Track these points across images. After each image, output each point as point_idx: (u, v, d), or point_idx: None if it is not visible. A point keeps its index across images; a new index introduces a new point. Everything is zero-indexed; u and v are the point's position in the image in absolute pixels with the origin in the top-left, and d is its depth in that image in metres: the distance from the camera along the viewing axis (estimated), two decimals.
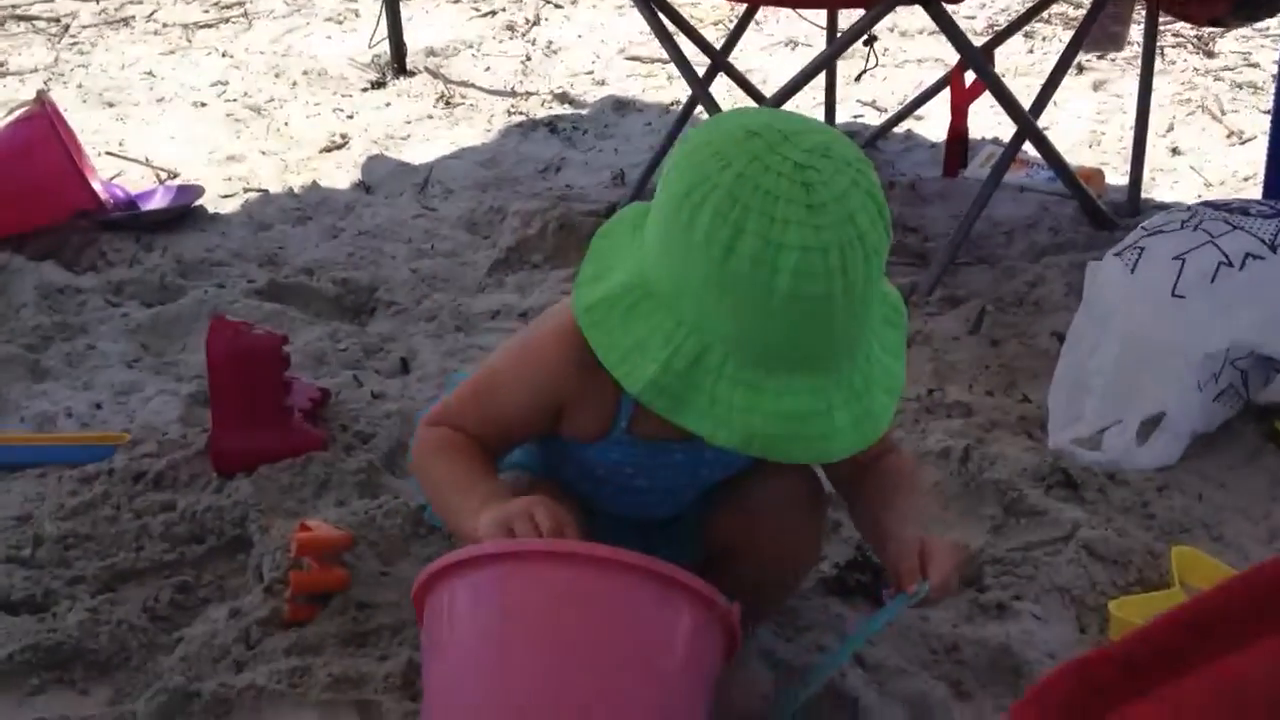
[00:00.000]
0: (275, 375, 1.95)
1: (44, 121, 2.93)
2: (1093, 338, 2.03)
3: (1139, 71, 2.97)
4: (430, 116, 3.91)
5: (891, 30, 4.37)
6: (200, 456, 1.97)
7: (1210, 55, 4.17)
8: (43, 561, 1.75)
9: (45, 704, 1.51)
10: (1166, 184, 3.23)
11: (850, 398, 1.22)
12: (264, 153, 3.62)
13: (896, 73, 4.12)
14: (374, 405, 2.18)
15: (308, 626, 1.61)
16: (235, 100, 4.03)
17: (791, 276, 1.15)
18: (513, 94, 4.10)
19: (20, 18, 4.77)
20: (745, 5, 3.18)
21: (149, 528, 1.81)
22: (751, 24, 3.44)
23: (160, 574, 1.74)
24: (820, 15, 3.64)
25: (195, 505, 1.84)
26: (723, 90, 3.30)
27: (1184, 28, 4.16)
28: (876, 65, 3.86)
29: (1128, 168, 3.00)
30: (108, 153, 3.51)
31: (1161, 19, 2.92)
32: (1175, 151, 3.44)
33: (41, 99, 3.05)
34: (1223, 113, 3.69)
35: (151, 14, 4.79)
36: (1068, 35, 2.98)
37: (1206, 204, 2.16)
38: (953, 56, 2.98)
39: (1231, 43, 4.23)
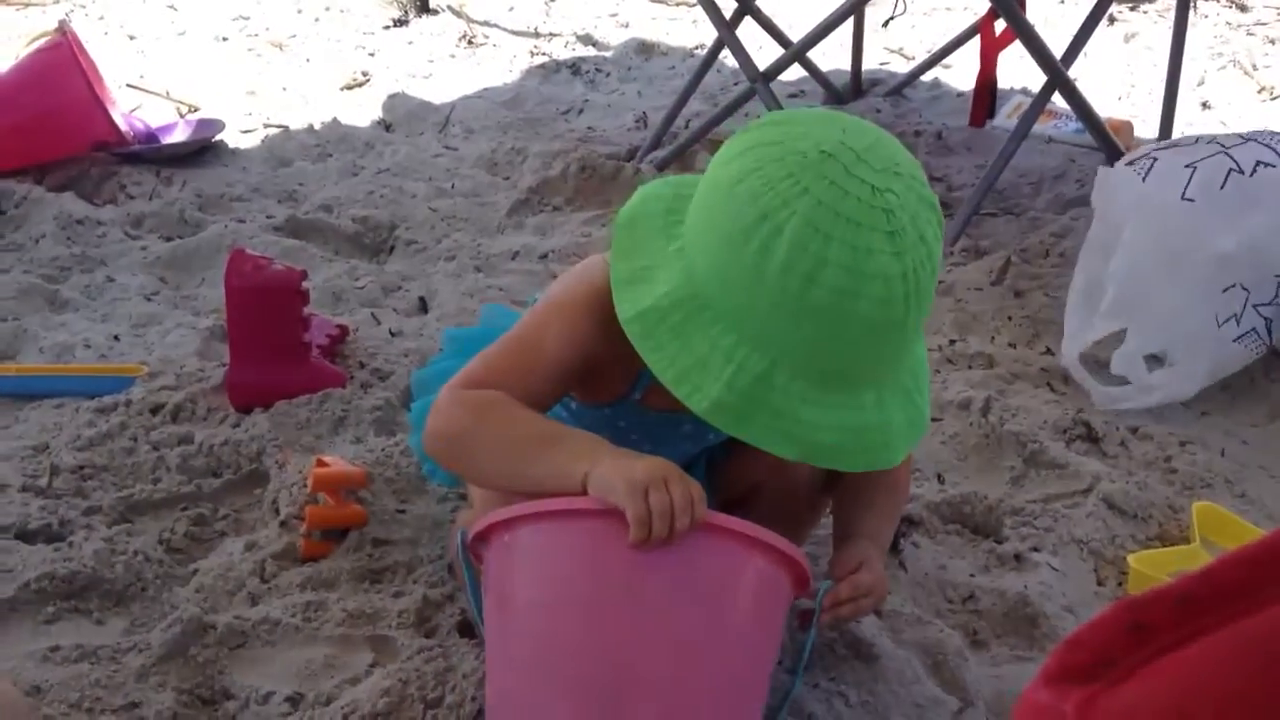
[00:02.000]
0: (294, 310, 1.94)
1: (65, 52, 2.91)
2: (1107, 245, 2.04)
3: (1171, 24, 2.93)
4: (453, 56, 3.88)
5: None
6: (218, 390, 1.97)
7: (1243, 9, 4.11)
8: (59, 491, 1.75)
9: (60, 632, 1.51)
10: None
11: (905, 402, 1.23)
12: (285, 88, 3.59)
13: (925, 20, 4.07)
14: (392, 343, 2.17)
15: (323, 562, 1.60)
16: (257, 35, 4.00)
17: (873, 304, 1.13)
18: (536, 34, 4.06)
19: None
20: None
21: (166, 460, 1.81)
22: None
23: (176, 506, 1.74)
24: None
25: (212, 439, 1.84)
26: (749, 34, 3.25)
27: None
28: (905, 12, 3.81)
29: (1157, 121, 2.96)
30: (129, 85, 3.49)
31: None
32: (1205, 106, 3.40)
33: (63, 29, 3.02)
34: (1254, 68, 3.64)
35: None
36: None
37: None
38: (982, 4, 2.93)
39: None
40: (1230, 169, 1.96)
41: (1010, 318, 2.28)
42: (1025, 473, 1.83)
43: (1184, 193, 1.96)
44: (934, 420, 1.96)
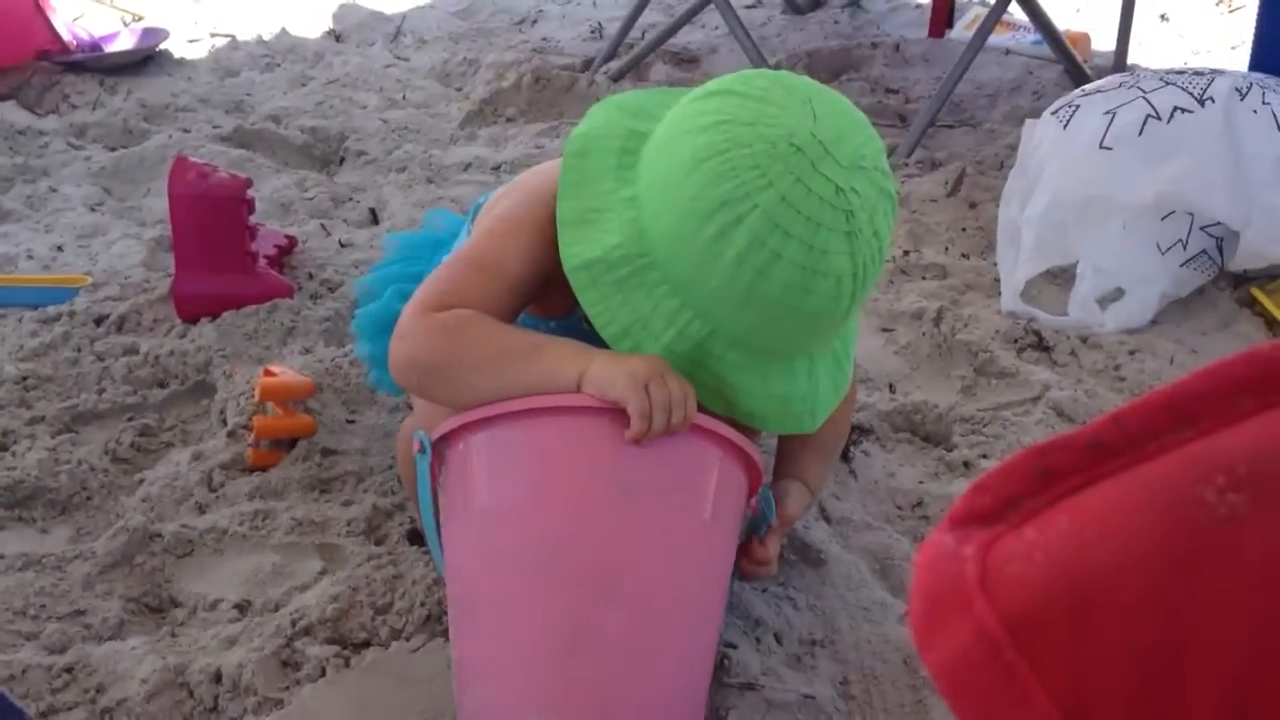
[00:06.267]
0: (239, 219, 1.91)
1: None
2: (1022, 193, 2.05)
3: None
4: None
5: None
6: (163, 301, 1.94)
7: None
8: (2, 401, 1.73)
9: (4, 541, 1.49)
10: (1153, 50, 3.18)
11: (834, 369, 1.27)
12: None
13: None
14: (342, 254, 2.14)
15: (271, 471, 1.59)
16: None
17: (821, 300, 1.15)
18: None
19: None
20: None
21: (111, 370, 1.79)
22: None
23: (122, 416, 1.72)
24: None
25: (158, 349, 1.82)
26: None
27: None
28: None
29: (1115, 32, 2.95)
30: None
31: None
32: (1164, 18, 3.38)
33: None
34: None
35: None
36: None
37: (1152, 70, 2.15)
38: None
39: None
40: (1148, 115, 1.95)
41: (964, 229, 2.28)
42: (976, 382, 1.84)
43: (1102, 140, 1.96)
44: (887, 330, 1.96)
